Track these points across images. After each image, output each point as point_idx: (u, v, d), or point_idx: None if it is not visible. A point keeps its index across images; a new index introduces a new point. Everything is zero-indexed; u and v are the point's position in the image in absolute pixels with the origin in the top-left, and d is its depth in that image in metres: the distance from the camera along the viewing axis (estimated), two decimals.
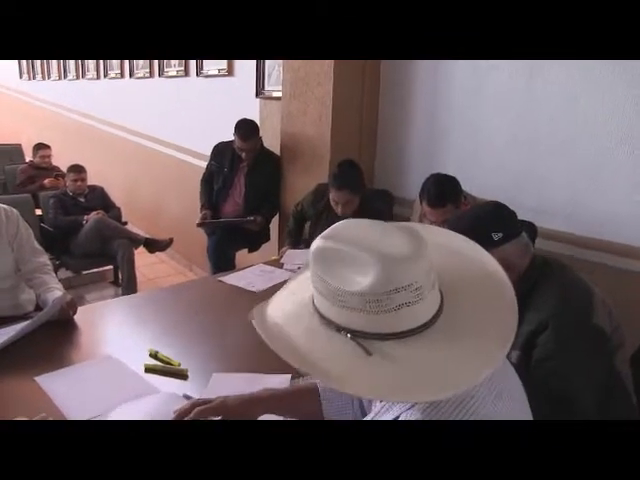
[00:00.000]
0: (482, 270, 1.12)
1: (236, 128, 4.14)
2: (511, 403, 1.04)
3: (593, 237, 2.90)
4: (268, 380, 1.89)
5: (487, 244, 1.77)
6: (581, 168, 2.92)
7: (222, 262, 3.99)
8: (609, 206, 2.84)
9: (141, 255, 5.52)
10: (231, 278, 2.95)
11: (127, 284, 5.09)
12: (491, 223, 1.82)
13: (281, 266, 3.20)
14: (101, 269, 5.67)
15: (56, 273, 5.10)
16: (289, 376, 1.91)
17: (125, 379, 1.90)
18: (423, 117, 3.70)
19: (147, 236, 5.49)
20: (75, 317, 2.41)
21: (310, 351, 0.98)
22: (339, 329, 0.98)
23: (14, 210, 2.69)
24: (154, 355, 2.10)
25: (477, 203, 2.90)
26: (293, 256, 3.37)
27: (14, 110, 12.26)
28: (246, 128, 4.14)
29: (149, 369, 2.00)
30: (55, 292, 2.50)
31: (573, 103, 2.90)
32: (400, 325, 0.95)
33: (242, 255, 4.39)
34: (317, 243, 1.01)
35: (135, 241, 5.28)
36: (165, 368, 2.01)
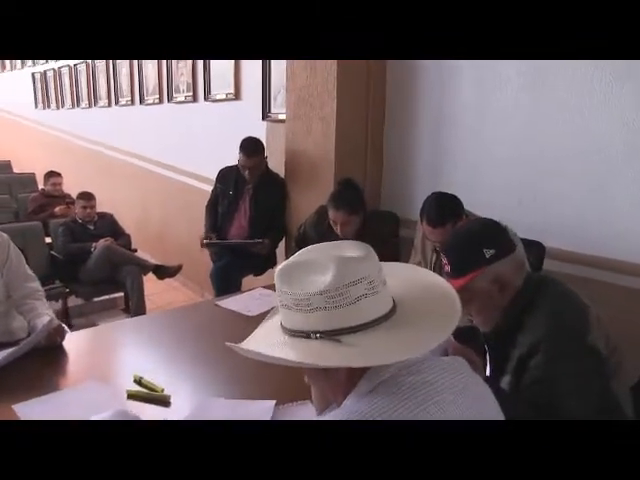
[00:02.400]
0: (427, 283, 1.28)
1: (241, 146, 4.09)
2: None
3: (601, 256, 2.81)
4: (252, 407, 1.81)
5: (479, 261, 1.69)
6: (588, 185, 2.84)
7: (226, 287, 3.91)
8: (617, 224, 2.75)
9: (152, 282, 5.48)
10: (228, 302, 2.89)
11: (136, 311, 5.03)
12: (483, 240, 1.74)
13: None
14: (112, 296, 5.63)
15: (66, 301, 5.16)
16: (273, 402, 1.83)
17: (106, 406, 1.82)
18: (429, 136, 3.63)
19: (156, 263, 5.45)
20: (64, 343, 2.35)
21: (289, 357, 1.09)
22: (308, 335, 1.08)
23: (4, 235, 2.62)
24: (138, 381, 2.02)
25: None
26: None
27: (30, 139, 12.38)
28: (250, 145, 4.09)
29: (131, 395, 1.93)
30: (44, 318, 2.43)
31: (579, 118, 2.83)
32: (361, 317, 1.07)
33: (249, 279, 4.31)
34: (279, 266, 1.15)
35: (144, 267, 5.23)
36: (148, 395, 1.94)
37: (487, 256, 1.69)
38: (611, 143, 2.72)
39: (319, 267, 1.08)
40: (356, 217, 3.28)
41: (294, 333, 1.11)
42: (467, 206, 2.85)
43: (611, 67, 2.67)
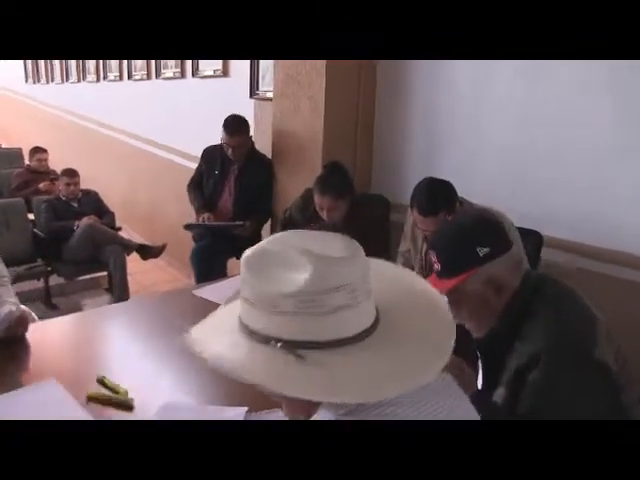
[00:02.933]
0: (415, 293, 1.10)
1: (224, 124, 3.94)
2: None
3: (600, 246, 2.69)
4: (220, 414, 1.69)
5: (472, 260, 1.54)
6: (586, 175, 2.71)
7: (208, 270, 3.78)
8: (616, 214, 2.63)
9: (138, 262, 5.37)
10: (205, 291, 2.72)
11: (119, 291, 4.94)
12: (477, 236, 1.57)
13: None
14: (95, 275, 5.50)
15: (47, 280, 5.03)
16: (244, 410, 1.70)
17: (63, 411, 1.69)
18: (422, 119, 3.48)
19: (140, 242, 5.32)
20: (29, 334, 2.21)
21: (236, 364, 0.92)
22: (268, 340, 0.90)
23: None
24: (101, 381, 1.89)
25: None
26: None
27: (20, 114, 12.27)
28: (233, 123, 3.94)
29: (91, 398, 1.80)
30: (5, 307, 2.28)
31: (577, 107, 2.70)
32: (335, 332, 0.90)
33: (235, 262, 4.17)
34: (249, 250, 0.96)
35: (127, 247, 5.13)
36: (109, 398, 1.81)
37: (481, 255, 1.53)
38: (608, 132, 2.60)
39: (294, 263, 0.90)
40: (343, 202, 3.13)
41: (252, 334, 0.93)
42: (461, 193, 2.72)
43: None
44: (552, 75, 2.76)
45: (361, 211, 3.23)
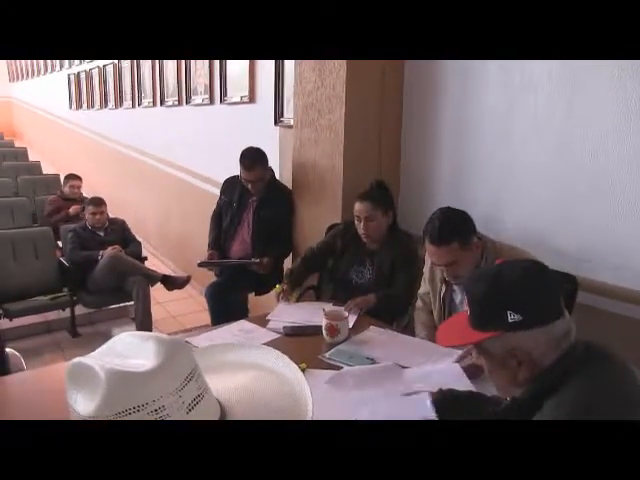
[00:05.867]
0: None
1: (240, 158, 3.75)
2: None
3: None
4: None
5: (497, 323, 1.31)
6: (631, 210, 2.43)
7: (222, 308, 3.59)
8: None
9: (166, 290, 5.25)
10: (202, 340, 2.45)
11: (142, 322, 4.84)
12: (511, 299, 1.30)
13: (266, 323, 2.67)
14: (121, 305, 5.41)
15: (73, 309, 4.95)
16: None
17: None
18: (450, 150, 3.25)
19: (164, 273, 5.20)
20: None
21: None
22: None
23: None
24: None
25: (495, 248, 2.43)
26: (283, 311, 2.82)
27: (63, 139, 12.52)
28: (250, 157, 3.74)
29: None
30: None
31: (622, 132, 2.42)
32: None
33: (259, 299, 3.98)
34: (75, 359, 0.88)
35: (151, 278, 5.02)
36: None
37: (509, 321, 1.27)
38: None
39: (92, 381, 0.82)
40: (381, 213, 3.03)
41: None
42: (493, 226, 2.58)
43: None
44: (590, 96, 2.51)
45: (399, 238, 3.12)
